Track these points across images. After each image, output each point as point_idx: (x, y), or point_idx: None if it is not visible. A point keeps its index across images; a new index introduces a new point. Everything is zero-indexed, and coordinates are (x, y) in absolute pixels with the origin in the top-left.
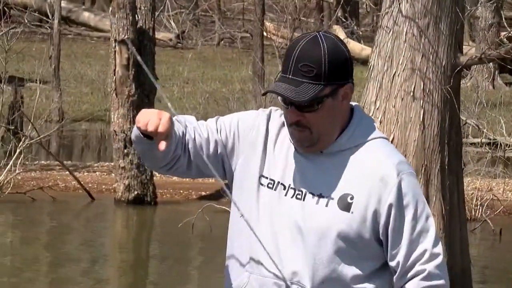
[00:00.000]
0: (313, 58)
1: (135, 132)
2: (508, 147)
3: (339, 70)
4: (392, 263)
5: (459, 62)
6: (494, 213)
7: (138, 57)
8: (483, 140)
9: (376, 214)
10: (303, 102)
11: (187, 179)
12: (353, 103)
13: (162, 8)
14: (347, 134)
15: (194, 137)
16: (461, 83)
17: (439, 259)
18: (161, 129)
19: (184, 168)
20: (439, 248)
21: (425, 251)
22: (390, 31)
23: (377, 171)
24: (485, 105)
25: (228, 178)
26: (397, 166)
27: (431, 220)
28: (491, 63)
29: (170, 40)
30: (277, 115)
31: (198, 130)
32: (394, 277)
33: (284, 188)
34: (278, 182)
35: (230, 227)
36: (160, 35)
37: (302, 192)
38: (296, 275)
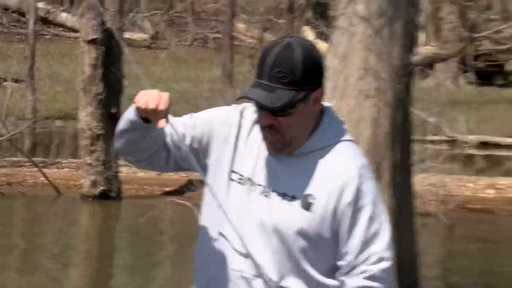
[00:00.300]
0: (288, 65)
1: (130, 117)
2: (466, 145)
3: (311, 76)
4: (341, 262)
5: (411, 62)
6: (448, 208)
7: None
8: (443, 138)
9: (334, 214)
10: (277, 108)
11: (152, 175)
12: (326, 104)
13: (137, 9)
14: (317, 136)
15: (171, 133)
16: (424, 82)
17: (387, 264)
18: (162, 106)
19: (163, 163)
20: (389, 254)
21: (374, 253)
22: (345, 32)
23: (340, 173)
24: (446, 104)
25: (203, 173)
26: (359, 169)
27: (386, 226)
28: (454, 63)
29: (145, 40)
30: (250, 112)
31: (174, 126)
32: (340, 273)
33: (253, 184)
34: (248, 178)
35: (202, 219)
36: (134, 35)
37: (268, 189)
38: (261, 268)
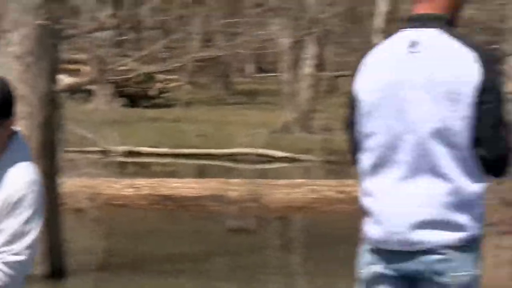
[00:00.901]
0: None
1: None
2: (116, 154)
3: (5, 109)
4: None
5: (55, 90)
6: (96, 205)
7: None
8: (98, 149)
9: (4, 215)
10: None
11: None
12: (17, 129)
13: None
14: (6, 156)
15: None
16: (86, 106)
17: (20, 258)
18: None
19: None
20: (26, 252)
21: (16, 247)
22: (3, 67)
23: (14, 185)
24: (102, 122)
25: None
26: (28, 183)
27: (34, 232)
28: (109, 90)
29: None
30: None
31: None
32: None
33: None
34: None
35: None
36: None
37: None
38: None
